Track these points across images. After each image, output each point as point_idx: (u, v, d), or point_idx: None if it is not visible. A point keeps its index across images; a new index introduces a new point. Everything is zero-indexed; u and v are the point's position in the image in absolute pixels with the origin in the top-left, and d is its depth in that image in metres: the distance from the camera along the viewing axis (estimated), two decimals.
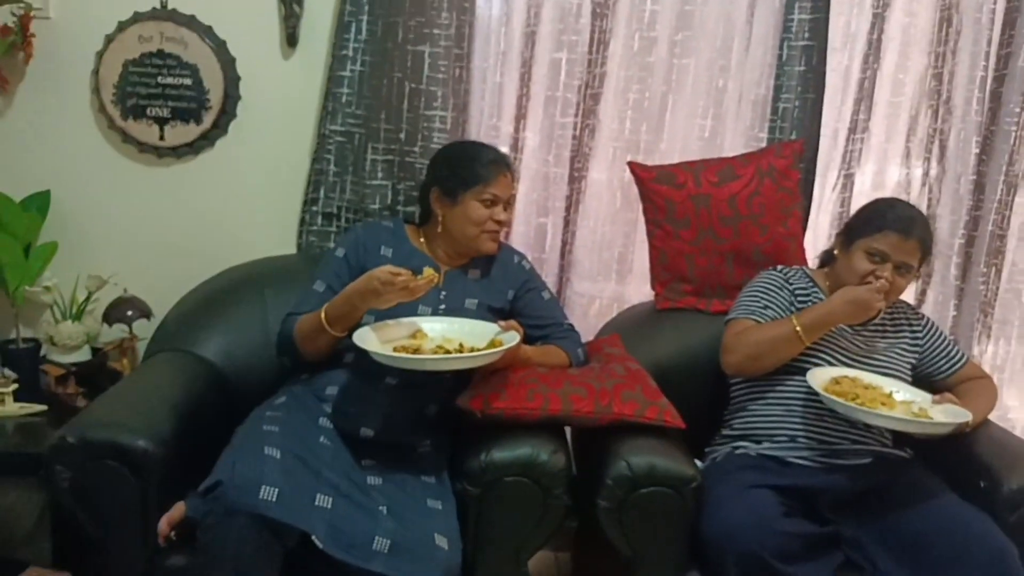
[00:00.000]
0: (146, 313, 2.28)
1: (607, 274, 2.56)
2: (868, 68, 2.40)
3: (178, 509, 1.72)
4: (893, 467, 1.96)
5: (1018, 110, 2.36)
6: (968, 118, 2.41)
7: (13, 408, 2.09)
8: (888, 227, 1.96)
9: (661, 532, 1.78)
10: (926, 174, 2.48)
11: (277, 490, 1.54)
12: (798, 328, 1.94)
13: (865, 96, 2.42)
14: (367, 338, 1.79)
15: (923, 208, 2.46)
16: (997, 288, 2.49)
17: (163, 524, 1.70)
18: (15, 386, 2.11)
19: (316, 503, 1.60)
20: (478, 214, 1.97)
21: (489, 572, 1.77)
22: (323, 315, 1.83)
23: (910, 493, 1.87)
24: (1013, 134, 2.36)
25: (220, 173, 2.40)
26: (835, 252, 2.09)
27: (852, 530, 1.85)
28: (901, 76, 2.46)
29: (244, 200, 2.41)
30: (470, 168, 1.99)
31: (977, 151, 2.41)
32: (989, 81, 2.39)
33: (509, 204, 2.05)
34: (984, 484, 1.88)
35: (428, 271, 1.79)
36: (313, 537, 1.55)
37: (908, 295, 2.46)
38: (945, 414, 1.91)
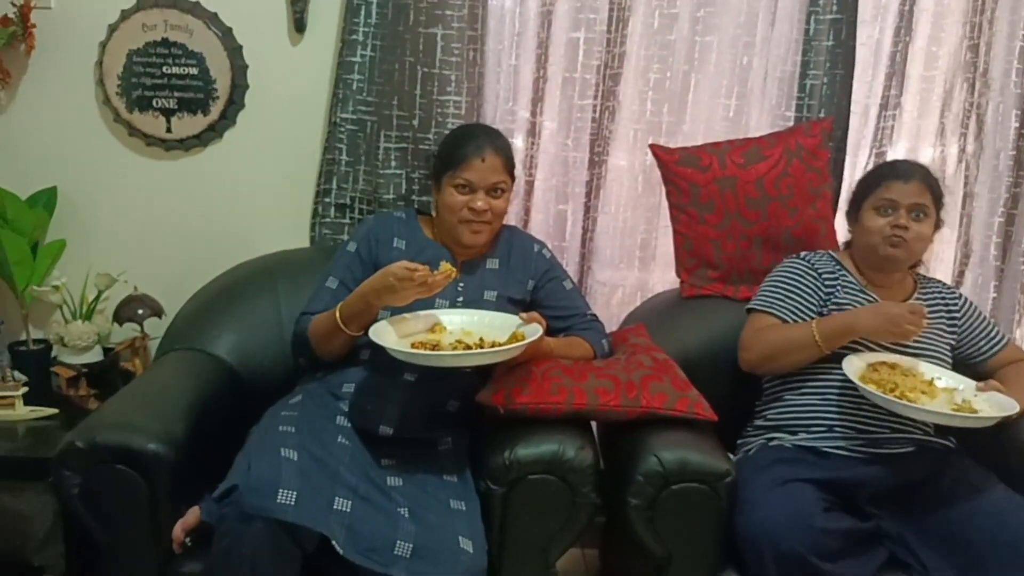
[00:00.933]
0: (157, 311, 2.23)
1: (630, 262, 2.49)
2: (900, 41, 2.31)
3: (193, 514, 1.66)
4: (937, 458, 1.87)
5: None
6: (1007, 91, 2.32)
7: (23, 412, 2.05)
8: (886, 178, 1.97)
9: (694, 530, 1.72)
10: (962, 151, 2.38)
11: (295, 493, 1.48)
12: (817, 336, 1.87)
13: (897, 71, 2.33)
14: (384, 333, 1.73)
15: (959, 187, 2.38)
16: None
17: (178, 530, 1.65)
18: (25, 389, 2.07)
19: (335, 506, 1.54)
20: (452, 200, 1.88)
21: (515, 574, 1.70)
22: (337, 314, 1.77)
23: (957, 486, 1.79)
24: None
25: (230, 165, 2.34)
26: (850, 231, 2.06)
27: (895, 525, 1.77)
28: (935, 49, 2.36)
29: (255, 193, 2.36)
30: (449, 152, 1.92)
31: (1017, 125, 2.32)
32: None
33: (494, 192, 1.90)
34: None
35: (445, 265, 1.72)
36: (333, 542, 1.49)
37: (946, 276, 2.39)
38: (990, 404, 1.82)
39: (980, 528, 1.69)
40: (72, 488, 1.63)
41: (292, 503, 1.48)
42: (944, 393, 1.86)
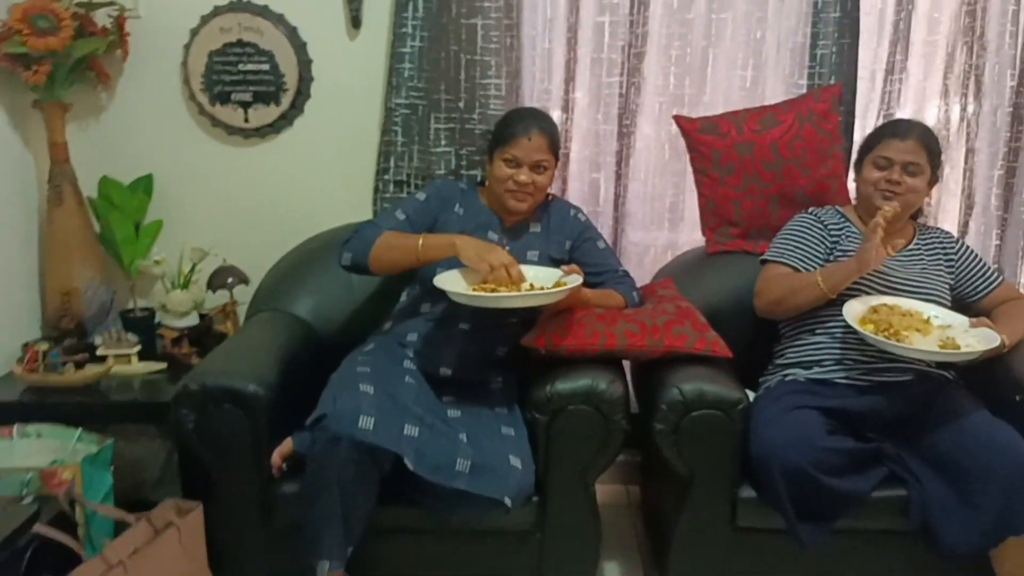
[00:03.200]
0: (244, 279, 2.52)
1: (660, 223, 2.71)
2: (902, 9, 2.48)
3: (287, 444, 1.96)
4: (932, 387, 2.07)
5: None
6: (1002, 52, 2.48)
7: (139, 367, 2.38)
8: (886, 136, 2.16)
9: (713, 451, 1.95)
10: (964, 109, 2.54)
11: (373, 419, 1.78)
12: (820, 279, 2.09)
13: (901, 37, 2.49)
14: (449, 281, 1.98)
15: (962, 142, 2.55)
16: None
17: (275, 457, 1.95)
18: (139, 347, 2.39)
19: (405, 432, 1.82)
20: (500, 172, 2.12)
21: (559, 491, 1.97)
22: (421, 240, 2.02)
23: (945, 412, 2.00)
24: None
25: (299, 149, 2.62)
26: (855, 182, 2.25)
27: (894, 448, 1.99)
28: (936, 15, 2.52)
29: (323, 173, 2.63)
30: (501, 130, 2.16)
31: (1013, 83, 2.48)
32: (1022, 14, 2.45)
33: (537, 168, 2.12)
34: (1019, 397, 1.99)
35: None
36: (405, 460, 1.78)
37: (952, 225, 2.57)
38: (978, 339, 1.99)
39: (963, 448, 1.90)
40: (188, 424, 1.92)
41: (371, 428, 1.77)
42: (938, 330, 2.04)
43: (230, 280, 2.50)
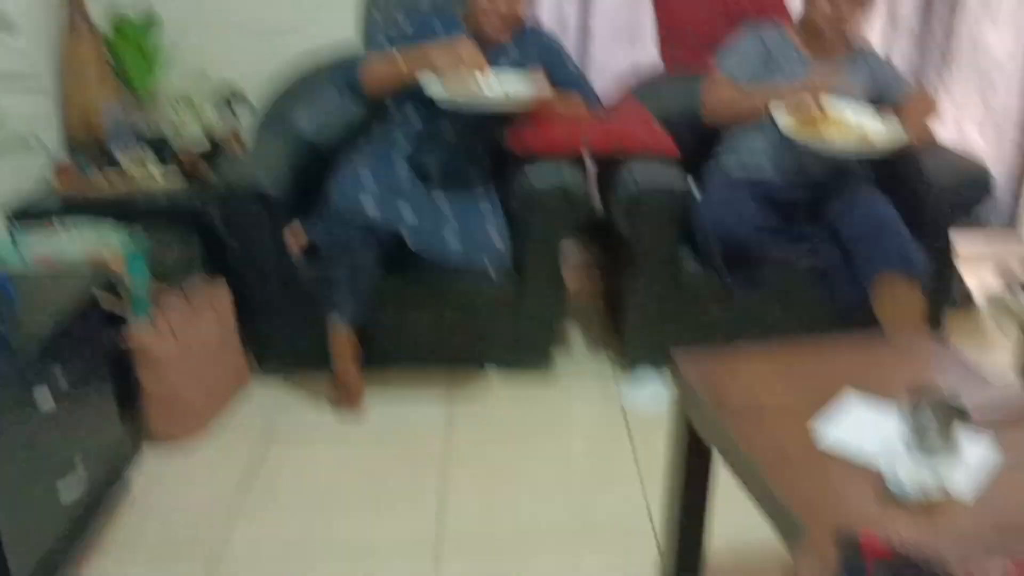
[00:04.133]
0: (247, 100, 2.79)
1: (623, 46, 2.99)
2: None
3: (296, 225, 2.31)
4: (844, 176, 2.44)
5: None
6: None
7: (163, 182, 2.63)
8: None
9: (661, 227, 2.34)
10: None
11: (372, 197, 2.13)
12: (762, 104, 2.41)
13: None
14: (434, 86, 2.25)
15: None
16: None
17: (289, 236, 2.30)
18: (159, 159, 2.68)
19: (403, 216, 2.18)
20: (478, 2, 2.40)
21: (533, 256, 2.35)
22: (399, 53, 2.29)
23: (843, 194, 2.40)
24: None
25: None
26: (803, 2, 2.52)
27: (810, 227, 2.40)
28: None
29: None
30: None
31: None
32: None
33: None
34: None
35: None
36: (404, 235, 2.14)
37: (877, 42, 2.88)
38: (889, 133, 2.33)
39: (849, 220, 2.34)
40: (217, 217, 2.28)
41: (371, 203, 2.13)
42: (856, 129, 2.35)
43: (233, 102, 2.77)
